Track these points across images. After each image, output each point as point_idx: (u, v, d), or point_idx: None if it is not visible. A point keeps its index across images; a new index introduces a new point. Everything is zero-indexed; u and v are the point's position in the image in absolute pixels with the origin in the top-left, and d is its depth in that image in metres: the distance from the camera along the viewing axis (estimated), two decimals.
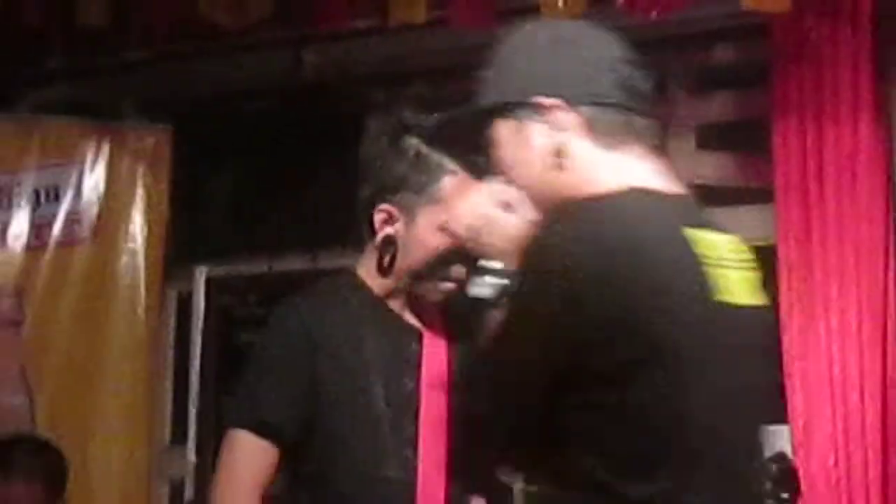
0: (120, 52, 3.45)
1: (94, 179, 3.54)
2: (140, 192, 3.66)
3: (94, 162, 3.55)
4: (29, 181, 3.56)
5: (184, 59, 3.34)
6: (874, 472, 3.29)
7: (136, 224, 3.67)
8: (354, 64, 3.55)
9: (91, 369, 3.61)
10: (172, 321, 4.04)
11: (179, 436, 3.87)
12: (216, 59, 3.31)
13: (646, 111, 1.71)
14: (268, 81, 3.67)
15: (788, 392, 3.42)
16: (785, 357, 3.40)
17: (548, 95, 1.69)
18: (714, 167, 3.82)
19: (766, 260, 3.25)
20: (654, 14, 3.18)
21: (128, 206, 3.66)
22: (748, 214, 3.66)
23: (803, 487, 3.25)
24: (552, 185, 1.70)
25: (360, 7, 3.24)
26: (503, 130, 1.74)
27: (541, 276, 1.68)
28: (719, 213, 3.50)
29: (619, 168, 1.69)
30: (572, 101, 1.69)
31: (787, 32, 3.36)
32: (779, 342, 2.22)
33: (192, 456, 3.80)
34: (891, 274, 3.38)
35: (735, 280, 1.73)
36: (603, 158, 1.70)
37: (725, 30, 3.45)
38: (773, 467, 2.92)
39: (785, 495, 2.92)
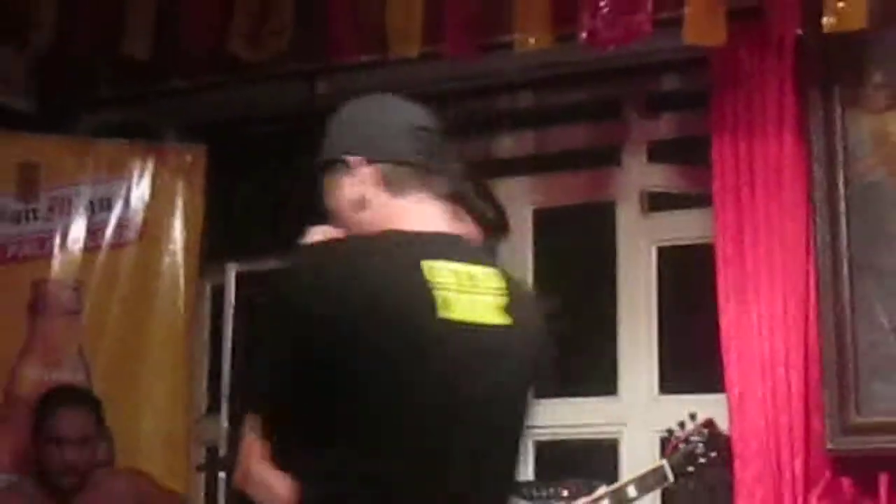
0: (161, 82, 3.47)
1: (140, 191, 3.58)
2: (179, 202, 3.69)
3: (140, 176, 3.58)
4: (86, 193, 3.58)
5: (216, 88, 3.39)
6: (798, 433, 3.22)
7: (176, 228, 3.69)
8: (359, 91, 3.60)
9: (138, 351, 3.64)
10: (208, 311, 4.09)
11: (214, 407, 3.91)
12: (243, 87, 3.35)
13: (437, 167, 1.81)
14: (286, 107, 3.73)
15: (725, 366, 3.33)
16: (723, 337, 3.32)
17: (354, 155, 1.80)
18: (662, 177, 3.82)
19: (706, 255, 3.30)
20: (611, 48, 3.15)
21: (169, 213, 3.68)
22: (691, 216, 3.66)
23: (737, 448, 3.21)
24: (360, 227, 1.79)
25: (364, 43, 3.27)
26: (327, 183, 1.83)
27: (275, 298, 1.80)
28: (668, 216, 3.60)
29: (404, 212, 1.79)
30: (373, 160, 1.80)
31: (723, 63, 3.32)
32: (536, 357, 1.88)
33: (224, 424, 3.82)
34: (811, 266, 3.28)
35: (474, 302, 1.77)
36: (393, 204, 1.79)
37: (671, 61, 3.42)
38: (704, 431, 2.91)
39: (713, 454, 2.89)
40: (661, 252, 3.73)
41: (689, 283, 3.64)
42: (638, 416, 3.67)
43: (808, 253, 3.27)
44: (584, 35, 3.19)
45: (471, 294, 1.79)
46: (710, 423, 2.94)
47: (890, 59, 3.15)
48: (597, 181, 3.87)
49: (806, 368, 3.23)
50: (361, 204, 1.81)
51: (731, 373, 3.30)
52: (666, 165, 3.73)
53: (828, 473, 3.21)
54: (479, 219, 2.08)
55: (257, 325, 1.98)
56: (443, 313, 1.74)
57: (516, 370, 1.86)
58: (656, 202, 3.72)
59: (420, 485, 1.80)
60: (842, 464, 3.20)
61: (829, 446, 3.14)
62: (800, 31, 3.19)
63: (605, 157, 3.76)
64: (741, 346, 3.32)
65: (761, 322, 3.29)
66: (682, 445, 2.90)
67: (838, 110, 3.21)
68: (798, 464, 3.20)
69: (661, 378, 3.75)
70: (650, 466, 2.92)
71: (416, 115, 1.89)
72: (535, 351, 1.87)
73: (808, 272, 3.27)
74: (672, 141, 3.71)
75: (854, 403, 3.16)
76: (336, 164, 1.84)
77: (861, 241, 3.18)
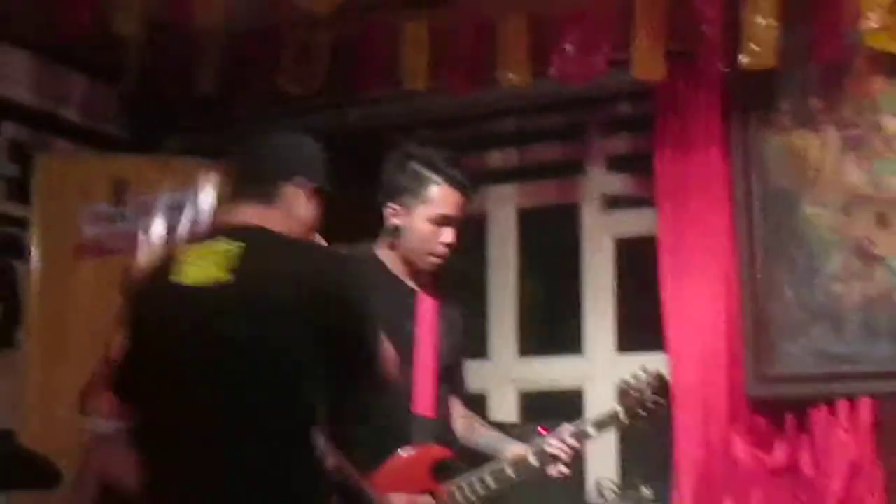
0: (226, 112, 3.49)
1: (207, 197, 3.56)
2: None
3: (207, 186, 3.57)
4: (164, 200, 3.57)
5: (268, 117, 3.35)
6: (723, 383, 3.11)
7: None
8: (381, 117, 3.64)
9: None
10: None
11: None
12: (289, 115, 3.32)
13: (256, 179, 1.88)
14: (323, 131, 3.71)
15: (667, 331, 3.23)
16: (665, 308, 3.22)
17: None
18: (618, 184, 3.68)
19: (652, 244, 3.22)
20: (576, 82, 3.16)
21: None
22: (640, 214, 3.55)
23: (677, 395, 3.09)
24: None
25: (383, 79, 3.27)
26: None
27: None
28: (622, 214, 3.58)
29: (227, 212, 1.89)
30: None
31: (664, 94, 3.19)
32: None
33: None
34: (733, 253, 3.16)
35: (203, 268, 1.74)
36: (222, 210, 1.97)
37: (624, 92, 3.33)
38: (653, 382, 2.88)
39: (662, 400, 2.89)
40: (618, 243, 3.64)
41: (639, 266, 3.50)
42: (600, 371, 3.58)
43: (730, 242, 3.18)
44: (554, 72, 3.12)
45: (203, 262, 1.76)
46: (657, 375, 2.91)
47: (794, 91, 3.05)
48: (566, 187, 3.79)
49: (729, 332, 3.15)
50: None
51: (672, 336, 3.22)
52: (620, 174, 3.64)
53: (747, 414, 3.13)
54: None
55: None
56: (178, 278, 1.75)
57: (242, 315, 1.72)
58: (613, 203, 3.65)
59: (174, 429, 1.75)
60: (758, 406, 3.12)
61: (748, 393, 3.09)
62: (724, 69, 3.03)
63: (573, 168, 3.71)
64: (679, 315, 3.22)
65: (694, 296, 3.20)
66: (633, 393, 2.89)
67: (753, 130, 3.12)
68: (723, 407, 3.12)
69: (618, 341, 3.62)
70: (607, 410, 2.87)
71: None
72: (271, 300, 1.72)
73: (730, 257, 3.18)
74: (625, 155, 3.62)
75: (767, 359, 3.09)
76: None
77: (771, 233, 3.11)
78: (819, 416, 2.94)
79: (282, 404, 1.70)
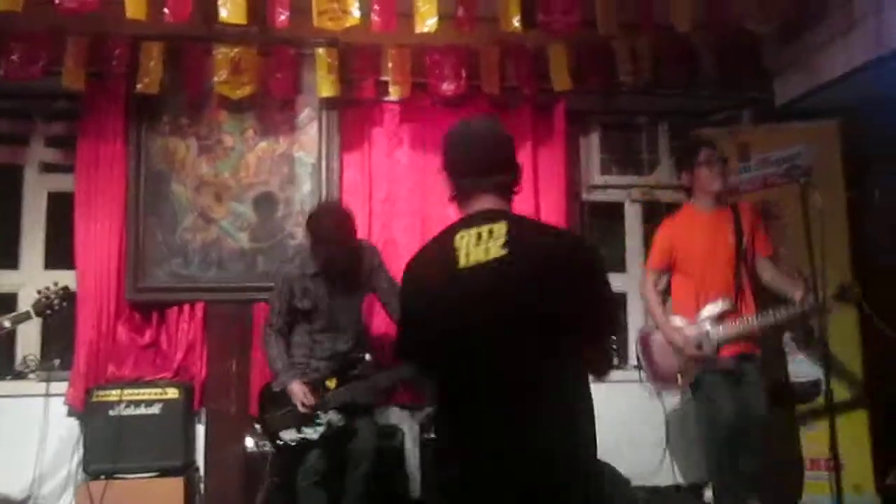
0: None
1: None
2: None
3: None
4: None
5: None
6: (113, 291, 3.96)
7: None
8: None
9: None
10: None
11: None
12: None
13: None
14: None
15: (77, 256, 3.87)
16: (77, 241, 3.83)
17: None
18: (52, 155, 4.15)
19: (72, 198, 3.86)
20: (20, 80, 3.76)
21: None
22: (66, 177, 4.05)
23: (80, 297, 3.84)
24: None
25: None
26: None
27: None
28: (54, 176, 4.13)
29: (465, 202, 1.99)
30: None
31: (88, 98, 3.97)
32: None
33: None
34: (126, 207, 3.96)
35: (486, 249, 1.87)
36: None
37: (62, 92, 3.91)
38: (60, 291, 3.53)
39: (63, 303, 3.54)
40: (50, 195, 4.19)
41: (65, 212, 4.07)
42: (30, 281, 4.10)
43: (124, 201, 3.99)
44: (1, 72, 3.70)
45: (483, 243, 1.87)
46: (64, 288, 3.60)
47: (172, 110, 4.04)
48: (16, 154, 4.24)
49: (119, 259, 4.03)
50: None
51: (80, 260, 3.97)
52: (55, 149, 4.19)
53: (128, 311, 4.07)
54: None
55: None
56: (460, 265, 1.88)
57: (520, 282, 1.83)
58: (49, 168, 4.22)
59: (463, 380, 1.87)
60: (135, 307, 4.05)
61: (128, 298, 4.04)
62: (128, 89, 3.89)
63: (21, 141, 4.19)
64: (86, 246, 4.00)
65: (98, 234, 4.00)
66: (43, 298, 3.54)
67: (144, 132, 4.05)
68: (112, 307, 4.01)
69: (44, 261, 4.18)
70: (21, 311, 3.54)
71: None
72: (541, 266, 1.84)
73: (123, 211, 4.00)
74: (59, 136, 4.19)
75: (142, 277, 4.03)
76: None
77: (150, 198, 4.04)
78: (172, 313, 4.10)
79: (562, 355, 1.85)
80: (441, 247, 1.96)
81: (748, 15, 3.79)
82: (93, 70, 3.97)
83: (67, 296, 3.61)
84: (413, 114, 4.35)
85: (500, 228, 1.89)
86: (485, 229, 1.90)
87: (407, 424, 4.01)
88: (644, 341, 3.65)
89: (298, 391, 3.53)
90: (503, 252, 1.85)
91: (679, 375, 3.39)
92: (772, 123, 4.40)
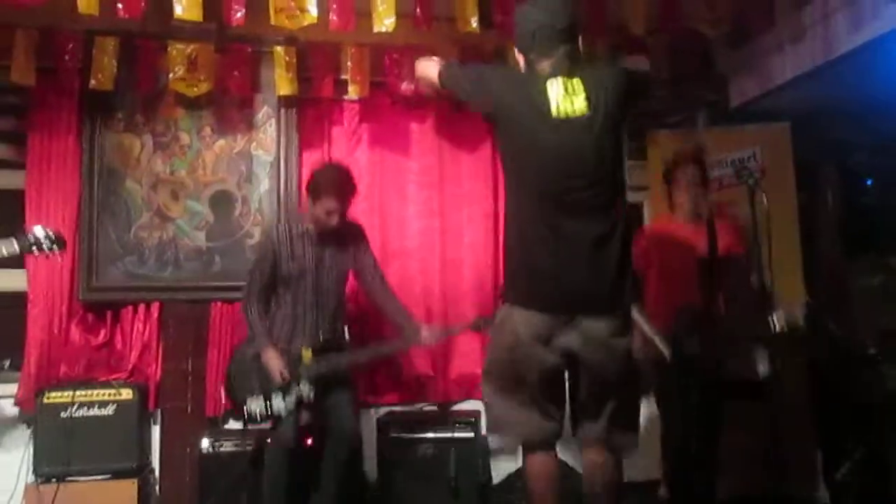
0: None
1: None
2: None
3: None
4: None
5: None
6: (66, 292, 3.90)
7: None
8: None
9: None
10: None
11: None
12: None
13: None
14: None
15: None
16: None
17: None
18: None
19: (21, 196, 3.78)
20: None
21: None
22: (16, 174, 3.94)
23: (32, 296, 3.80)
24: None
25: None
26: None
27: None
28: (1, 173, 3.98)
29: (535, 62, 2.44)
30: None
31: (38, 93, 3.89)
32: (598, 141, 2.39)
33: None
34: (79, 208, 3.94)
35: (567, 102, 2.35)
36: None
37: (9, 87, 3.83)
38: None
39: None
40: None
41: (9, 210, 3.98)
42: None
43: (77, 201, 3.93)
44: None
45: (570, 97, 2.34)
46: (58, 233, 3.33)
47: (126, 107, 4.00)
48: None
49: (72, 258, 3.90)
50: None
51: (29, 259, 3.80)
52: (3, 145, 4.03)
53: (81, 311, 4.00)
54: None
55: None
56: (552, 111, 2.35)
57: (598, 125, 2.34)
58: None
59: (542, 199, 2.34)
60: (89, 307, 4.00)
61: (81, 298, 3.97)
62: (80, 85, 3.85)
63: None
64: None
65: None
66: (32, 237, 3.29)
67: (98, 128, 4.01)
68: (65, 306, 3.95)
69: None
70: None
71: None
72: (614, 109, 2.37)
73: (77, 211, 3.93)
74: (8, 131, 4.03)
75: (95, 276, 3.98)
76: None
77: (105, 196, 4.00)
78: (127, 313, 4.06)
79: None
80: (530, 81, 2.38)
81: (700, 18, 3.85)
82: (43, 64, 3.88)
83: (59, 241, 3.37)
84: (372, 113, 4.36)
85: (579, 85, 2.33)
86: (569, 83, 2.33)
87: (365, 424, 3.99)
88: None
89: (275, 360, 3.44)
90: (587, 110, 2.31)
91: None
92: (726, 126, 4.48)
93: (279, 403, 3.43)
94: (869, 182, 4.59)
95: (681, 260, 3.38)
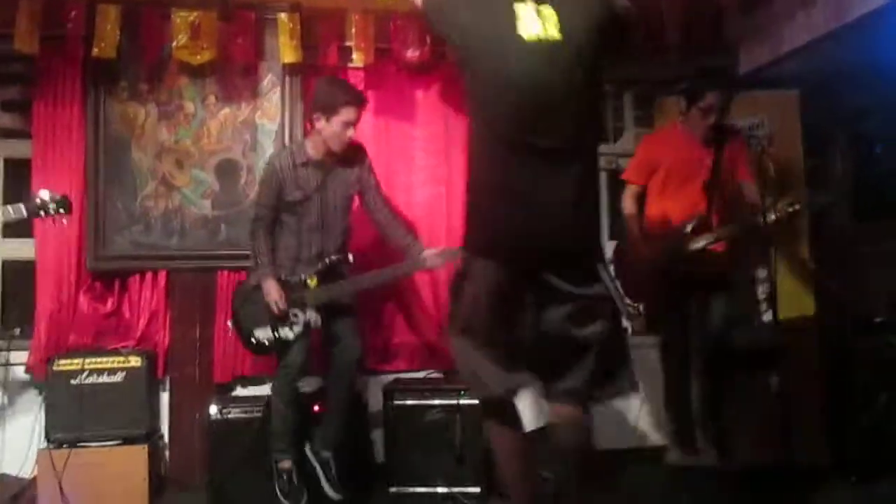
0: None
1: None
2: None
3: None
4: None
5: None
6: (74, 259, 3.93)
7: None
8: None
9: None
10: None
11: None
12: None
13: None
14: None
15: (34, 224, 3.79)
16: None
17: None
18: (8, 120, 4.03)
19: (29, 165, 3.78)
20: None
21: None
22: (24, 143, 4.01)
23: (39, 263, 3.82)
24: None
25: None
26: None
27: None
28: (10, 142, 4.00)
29: None
30: None
31: (43, 61, 3.89)
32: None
33: None
34: (85, 174, 3.92)
35: (536, 25, 2.15)
36: None
37: (13, 55, 3.82)
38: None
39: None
40: (7, 161, 4.10)
41: (21, 180, 4.06)
42: None
43: (83, 168, 3.92)
44: None
45: (542, 21, 2.14)
46: (64, 196, 3.43)
47: (130, 76, 3.99)
48: None
49: (79, 228, 3.93)
50: None
51: (37, 228, 3.88)
52: (11, 114, 4.10)
53: (89, 280, 4.02)
54: None
55: None
56: (521, 32, 2.13)
57: (570, 54, 2.13)
58: (6, 133, 4.09)
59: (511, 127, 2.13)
60: (96, 276, 4.03)
61: (89, 267, 3.99)
62: (84, 53, 3.85)
63: None
64: (42, 219, 3.57)
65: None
66: (38, 200, 3.41)
67: (103, 97, 4.00)
68: (73, 276, 3.98)
69: (2, 230, 4.01)
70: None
71: None
72: (584, 32, 2.15)
73: (82, 178, 3.92)
74: (15, 100, 4.09)
75: (102, 246, 4.00)
76: None
77: (110, 166, 4.00)
78: (134, 281, 4.08)
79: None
80: (497, 1, 2.19)
81: None
82: (47, 33, 3.87)
83: (65, 204, 3.47)
84: (377, 80, 4.32)
85: (550, 12, 2.14)
86: (540, 8, 2.14)
87: (371, 391, 4.04)
88: (618, 256, 3.69)
89: (274, 291, 3.48)
90: (558, 36, 2.11)
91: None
92: (735, 92, 4.45)
93: (286, 331, 3.48)
94: (878, 148, 4.55)
95: (683, 166, 3.43)
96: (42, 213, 3.37)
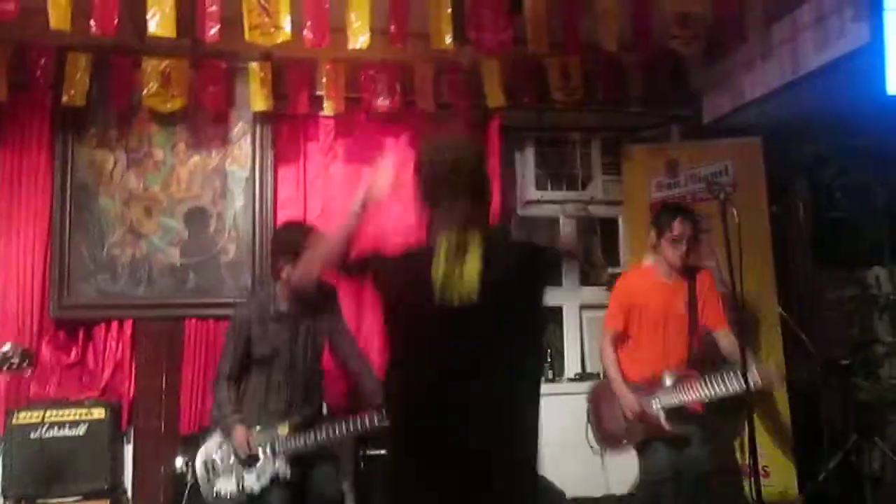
0: None
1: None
2: None
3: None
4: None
5: None
6: (37, 308, 3.86)
7: None
8: None
9: None
10: None
11: None
12: None
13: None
14: None
15: None
16: None
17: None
18: None
19: None
20: None
21: None
22: None
23: None
24: None
25: None
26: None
27: None
28: None
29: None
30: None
31: (9, 109, 3.88)
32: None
33: None
34: (49, 222, 3.90)
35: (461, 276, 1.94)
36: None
37: None
38: None
39: None
40: None
41: None
42: None
43: (48, 216, 3.92)
44: None
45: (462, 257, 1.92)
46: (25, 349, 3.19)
47: (99, 123, 3.98)
48: None
49: (43, 276, 3.94)
50: None
51: (0, 275, 3.82)
52: None
53: (52, 328, 3.95)
54: None
55: None
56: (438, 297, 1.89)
57: (496, 295, 1.89)
58: None
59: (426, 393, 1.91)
60: (60, 324, 3.96)
61: (52, 315, 3.93)
62: (53, 102, 3.83)
63: None
64: (5, 264, 3.88)
65: (18, 250, 3.90)
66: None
67: (71, 144, 3.99)
68: (36, 324, 3.91)
69: None
70: None
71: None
72: (514, 285, 1.91)
73: (47, 226, 3.93)
74: None
75: (67, 294, 3.95)
76: None
77: (77, 213, 3.98)
78: (99, 330, 4.02)
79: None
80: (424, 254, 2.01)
81: (671, 37, 3.92)
82: (15, 80, 3.87)
83: (29, 357, 3.21)
84: (348, 128, 4.36)
85: (476, 243, 1.94)
86: (463, 241, 1.95)
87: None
88: (595, 400, 3.61)
89: (240, 435, 3.24)
90: (480, 268, 1.90)
91: (624, 440, 3.40)
92: (699, 140, 4.56)
93: (252, 482, 3.24)
94: (837, 195, 4.68)
95: (659, 316, 3.37)
96: (3, 367, 3.13)
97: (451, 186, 2.01)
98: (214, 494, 3.28)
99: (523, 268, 1.96)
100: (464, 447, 1.87)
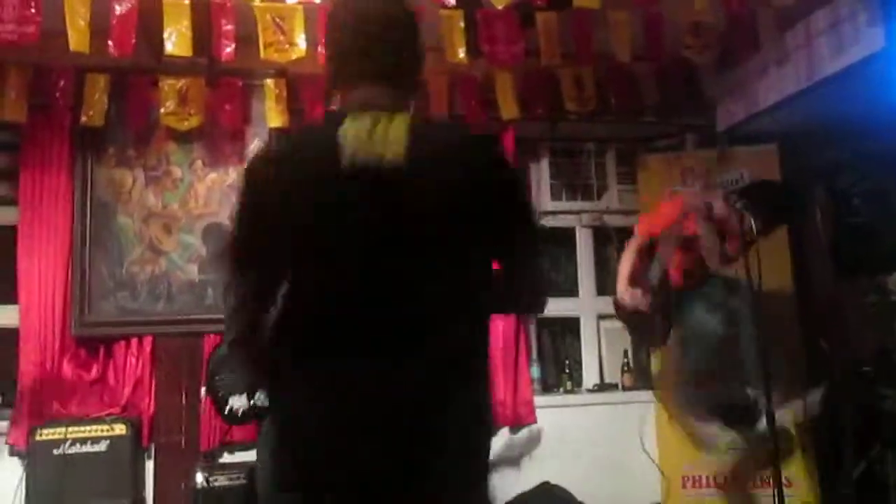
0: None
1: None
2: None
3: None
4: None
5: None
6: (59, 326, 3.89)
7: None
8: None
9: None
10: None
11: None
12: None
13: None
14: None
15: (20, 291, 3.81)
16: (20, 277, 3.79)
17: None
18: None
19: (14, 232, 3.90)
20: None
21: None
22: (8, 210, 4.00)
23: (23, 332, 3.79)
24: None
25: None
26: None
27: None
28: None
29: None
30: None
31: (30, 129, 3.90)
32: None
33: None
34: (70, 241, 3.94)
35: (369, 146, 1.49)
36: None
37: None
38: None
39: None
40: None
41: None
42: None
43: (68, 235, 3.94)
44: None
45: (379, 141, 1.50)
46: None
47: (118, 142, 4.03)
48: None
49: (64, 294, 3.96)
50: None
51: (22, 294, 3.89)
52: None
53: (73, 346, 3.98)
54: None
55: None
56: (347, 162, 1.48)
57: (420, 194, 1.49)
58: None
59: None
60: (80, 342, 3.98)
61: (73, 333, 3.96)
62: (73, 121, 3.89)
63: None
64: (28, 281, 3.92)
65: (40, 269, 3.93)
66: None
67: (90, 163, 4.03)
68: (57, 343, 3.94)
69: None
70: None
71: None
72: (447, 176, 1.50)
73: (67, 245, 3.95)
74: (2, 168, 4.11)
75: (87, 312, 3.98)
76: None
77: (96, 231, 4.01)
78: (120, 347, 4.05)
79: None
80: (319, 137, 1.57)
81: (684, 46, 3.93)
82: (35, 101, 3.92)
83: None
84: None
85: (399, 125, 1.51)
86: (381, 122, 1.51)
87: None
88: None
89: None
90: (402, 155, 1.48)
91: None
92: (714, 149, 4.54)
93: (263, 399, 3.26)
94: (856, 202, 4.65)
95: None
96: None
97: (358, 48, 1.60)
98: (229, 410, 3.31)
99: (466, 164, 1.52)
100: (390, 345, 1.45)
